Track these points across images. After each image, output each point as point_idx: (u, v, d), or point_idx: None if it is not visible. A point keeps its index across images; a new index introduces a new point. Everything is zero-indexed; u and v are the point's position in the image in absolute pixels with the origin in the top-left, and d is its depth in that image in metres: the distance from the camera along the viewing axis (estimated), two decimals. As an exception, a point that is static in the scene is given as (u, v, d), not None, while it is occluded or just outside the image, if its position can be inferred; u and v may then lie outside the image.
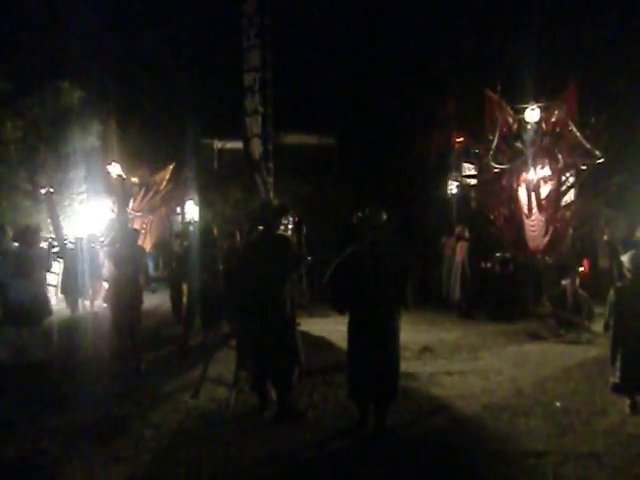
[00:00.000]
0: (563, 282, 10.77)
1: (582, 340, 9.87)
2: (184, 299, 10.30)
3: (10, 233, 8.33)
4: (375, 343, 5.57)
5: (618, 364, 6.24)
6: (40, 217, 13.52)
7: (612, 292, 6.46)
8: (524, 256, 12.92)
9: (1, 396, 6.65)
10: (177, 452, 5.36)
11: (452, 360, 8.75)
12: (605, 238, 14.08)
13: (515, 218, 13.01)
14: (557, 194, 12.51)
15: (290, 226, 9.50)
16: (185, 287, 10.27)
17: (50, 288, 12.42)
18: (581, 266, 13.00)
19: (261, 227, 6.51)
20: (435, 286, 14.33)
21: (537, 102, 12.58)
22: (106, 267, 9.22)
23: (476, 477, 5.00)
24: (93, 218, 14.58)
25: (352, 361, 5.78)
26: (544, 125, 12.57)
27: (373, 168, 20.97)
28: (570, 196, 12.79)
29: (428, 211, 19.50)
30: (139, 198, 16.94)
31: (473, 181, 15.27)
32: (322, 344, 9.46)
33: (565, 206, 12.72)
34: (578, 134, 12.17)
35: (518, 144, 12.82)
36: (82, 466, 5.06)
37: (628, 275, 6.43)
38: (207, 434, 5.77)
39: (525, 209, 12.70)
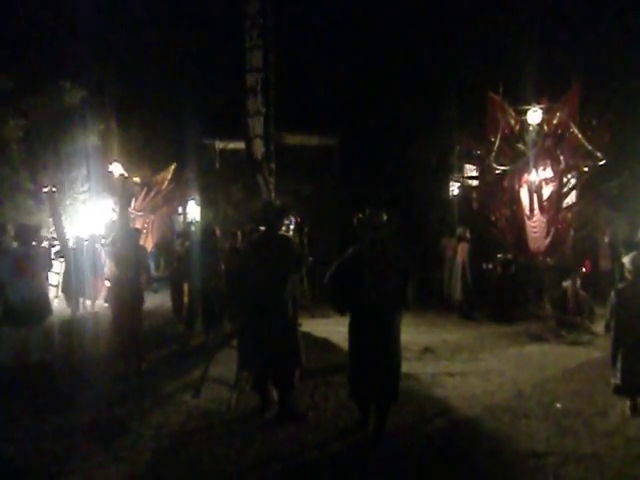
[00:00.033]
0: (564, 283, 10.78)
1: (583, 341, 9.87)
2: (185, 299, 10.32)
3: (11, 232, 8.35)
4: (376, 344, 5.57)
5: (619, 365, 6.25)
6: (42, 216, 13.53)
7: (613, 293, 6.47)
8: (525, 257, 12.91)
9: (2, 395, 6.66)
10: (178, 452, 5.38)
11: (453, 361, 8.75)
12: (606, 239, 14.07)
13: (516, 219, 13.00)
14: (559, 195, 12.50)
15: (292, 227, 9.54)
16: (186, 287, 10.29)
17: (51, 288, 12.48)
18: (583, 267, 12.99)
19: (263, 227, 6.52)
20: (436, 287, 14.32)
21: (539, 104, 12.56)
22: (107, 267, 9.23)
23: (477, 478, 5.01)
24: (95, 218, 14.58)
25: (353, 362, 5.78)
26: (546, 127, 12.55)
27: (374, 169, 20.96)
28: (572, 197, 12.77)
29: (429, 212, 19.51)
30: (141, 198, 16.93)
31: (475, 182, 15.25)
32: (323, 345, 9.46)
33: (567, 207, 12.70)
34: (580, 136, 12.16)
35: (520, 145, 12.80)
36: (83, 466, 5.07)
37: (629, 276, 6.43)
38: (208, 434, 5.77)
39: (527, 210, 12.68)
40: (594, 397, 6.77)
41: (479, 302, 12.59)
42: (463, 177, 16.95)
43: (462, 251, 12.65)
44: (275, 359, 5.96)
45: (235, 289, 7.23)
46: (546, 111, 12.52)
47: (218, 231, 10.38)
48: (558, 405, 6.53)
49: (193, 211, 20.87)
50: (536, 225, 12.64)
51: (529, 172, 12.56)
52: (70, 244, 13.00)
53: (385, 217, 5.87)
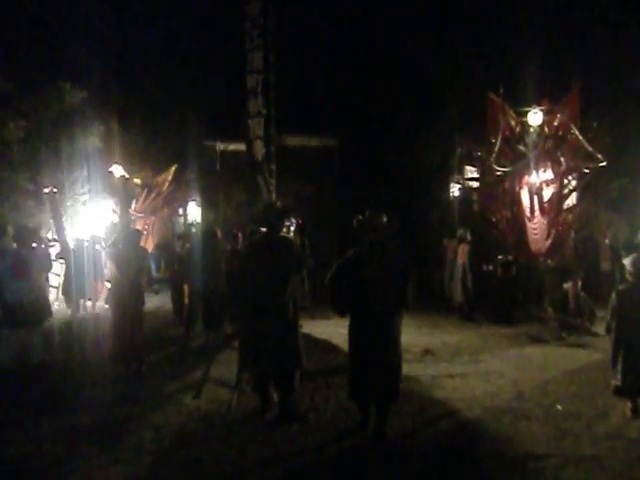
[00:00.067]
0: (565, 285, 10.77)
1: (584, 343, 9.86)
2: (186, 300, 10.32)
3: (11, 233, 8.35)
4: (376, 344, 5.57)
5: (620, 367, 6.25)
6: (42, 217, 13.53)
7: (614, 295, 6.46)
8: (526, 259, 12.91)
9: (2, 397, 6.66)
10: (178, 454, 5.38)
11: (453, 363, 8.75)
12: (607, 241, 14.07)
13: (517, 221, 13.00)
14: (559, 197, 12.51)
15: (292, 228, 9.53)
16: (186, 288, 10.29)
17: (52, 289, 12.48)
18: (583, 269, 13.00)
19: (264, 229, 6.52)
20: (437, 289, 14.32)
21: (540, 105, 12.58)
22: (108, 268, 9.23)
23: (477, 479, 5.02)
24: (95, 219, 14.57)
25: (353, 363, 5.78)
26: (546, 128, 12.56)
27: (374, 170, 20.97)
28: (572, 199, 12.78)
29: (430, 213, 19.52)
30: (141, 199, 16.91)
31: (475, 184, 15.26)
32: (323, 346, 9.46)
33: (567, 209, 12.71)
34: (580, 137, 12.17)
35: (520, 147, 12.81)
36: (83, 468, 5.07)
37: (630, 278, 6.42)
38: (208, 436, 5.77)
39: (527, 212, 12.69)
40: (594, 399, 6.77)
41: (479, 304, 12.57)
42: (464, 178, 16.97)
43: (462, 253, 12.64)
44: (276, 360, 5.96)
45: (236, 290, 7.23)
46: (547, 113, 12.53)
47: (219, 233, 10.39)
48: (558, 407, 6.53)
49: (194, 212, 20.88)
50: (537, 227, 12.65)
51: (530, 174, 12.57)
52: (71, 245, 12.98)
53: (385, 219, 5.87)
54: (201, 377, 7.63)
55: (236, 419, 6.20)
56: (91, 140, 14.76)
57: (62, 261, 12.87)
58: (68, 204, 14.31)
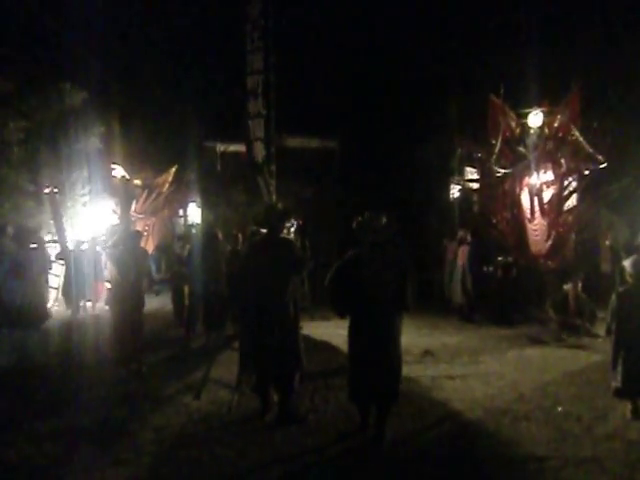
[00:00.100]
0: (565, 286, 10.77)
1: (584, 344, 9.87)
2: (186, 301, 10.33)
3: (11, 234, 8.35)
4: (375, 345, 5.56)
5: (620, 368, 6.24)
6: (42, 218, 13.53)
7: (614, 297, 6.46)
8: (526, 260, 12.89)
9: (2, 398, 6.66)
10: (178, 454, 5.37)
11: (453, 364, 8.75)
12: (607, 243, 14.05)
13: (517, 222, 12.99)
14: (560, 198, 12.50)
15: (292, 229, 9.53)
16: (187, 290, 10.30)
17: (52, 290, 12.48)
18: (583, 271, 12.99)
19: (264, 230, 6.52)
20: (437, 290, 14.32)
21: (540, 106, 12.57)
22: (108, 269, 9.26)
23: (477, 481, 5.01)
24: (95, 220, 14.58)
25: (352, 364, 5.78)
26: (547, 130, 12.55)
27: (375, 171, 20.95)
28: (573, 201, 12.76)
29: (430, 214, 19.51)
30: (141, 200, 16.92)
31: (475, 185, 15.25)
32: (323, 347, 9.47)
33: (568, 211, 12.70)
34: (581, 139, 12.16)
35: (521, 148, 12.80)
36: (83, 469, 5.07)
37: (630, 280, 6.43)
38: (208, 437, 5.77)
39: (528, 213, 12.68)
40: (595, 400, 6.76)
41: (479, 305, 12.59)
42: (464, 180, 16.96)
43: (462, 254, 12.65)
44: (276, 362, 5.96)
45: (236, 292, 7.23)
46: (547, 114, 12.52)
47: (220, 235, 10.40)
48: (559, 408, 6.52)
49: (194, 213, 20.87)
50: (537, 228, 12.64)
51: (530, 175, 12.56)
52: (70, 246, 12.99)
53: (384, 220, 5.87)
54: (201, 378, 7.63)
55: (236, 420, 6.20)
56: (91, 141, 14.76)
57: (62, 262, 12.87)
58: (68, 205, 14.32)
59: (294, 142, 20.51)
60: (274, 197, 8.69)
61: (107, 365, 8.26)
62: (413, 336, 10.05)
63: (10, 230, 8.85)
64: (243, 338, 6.72)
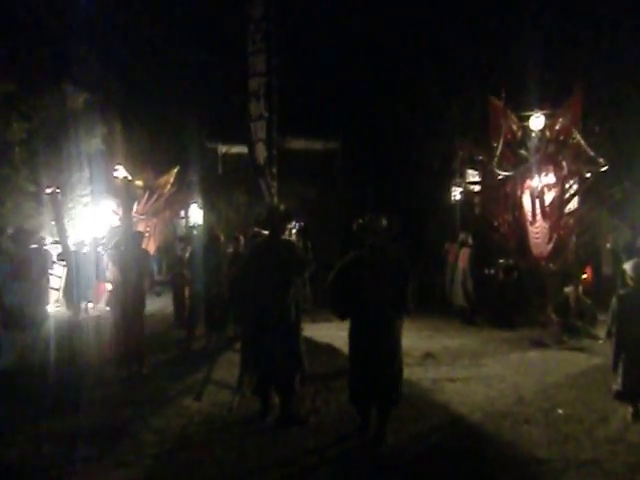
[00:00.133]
0: (566, 289, 10.77)
1: (584, 347, 9.86)
2: (187, 303, 10.33)
3: (11, 235, 8.36)
4: (376, 348, 5.56)
5: (620, 371, 6.24)
6: (43, 219, 13.55)
7: (615, 299, 6.46)
8: (528, 263, 12.89)
9: (3, 399, 6.66)
10: (179, 456, 5.38)
11: (454, 367, 8.74)
12: (608, 246, 14.07)
13: (519, 225, 13.00)
14: (561, 201, 12.50)
15: (294, 231, 9.54)
16: (188, 291, 10.30)
17: (52, 291, 12.48)
18: (584, 273, 12.98)
19: (266, 231, 6.53)
20: (438, 292, 14.32)
21: (541, 109, 12.58)
22: (109, 270, 9.26)
23: (478, 484, 5.01)
24: (97, 221, 14.60)
25: (353, 366, 5.77)
26: (548, 132, 12.56)
27: (376, 173, 20.98)
28: (574, 203, 12.77)
29: (431, 217, 19.51)
30: (143, 201, 16.96)
31: (477, 187, 15.27)
32: (324, 349, 9.46)
33: (569, 213, 12.70)
34: (582, 142, 12.17)
35: (522, 151, 12.81)
36: (84, 470, 5.07)
37: (631, 283, 6.42)
38: (209, 438, 5.77)
39: (529, 216, 12.68)
40: (595, 403, 6.76)
41: (481, 307, 12.58)
42: (465, 182, 16.98)
43: (464, 256, 12.65)
44: (277, 363, 5.96)
45: (237, 293, 7.24)
46: (548, 117, 12.54)
47: (222, 236, 10.40)
48: (559, 411, 6.52)
49: (195, 215, 20.92)
50: (538, 231, 12.64)
51: (531, 178, 12.56)
52: (72, 247, 13.00)
53: (385, 222, 5.87)
54: (202, 379, 7.63)
55: (237, 422, 6.20)
56: (93, 142, 14.80)
57: (63, 263, 12.88)
58: (70, 205, 14.34)
59: (297, 144, 20.58)
60: (276, 198, 8.70)
61: (108, 366, 8.26)
62: (414, 338, 10.05)
63: (10, 231, 8.86)
64: (244, 339, 6.72)
